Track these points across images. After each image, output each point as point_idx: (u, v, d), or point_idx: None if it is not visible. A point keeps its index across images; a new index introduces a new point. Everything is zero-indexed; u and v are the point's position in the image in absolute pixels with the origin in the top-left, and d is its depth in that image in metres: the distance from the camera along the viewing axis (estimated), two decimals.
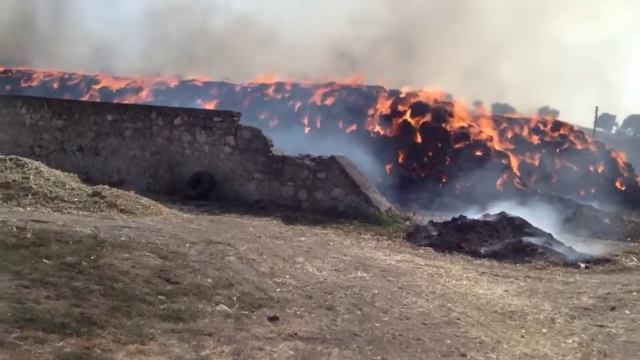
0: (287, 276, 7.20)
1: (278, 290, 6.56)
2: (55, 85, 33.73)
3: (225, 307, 5.71)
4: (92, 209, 10.37)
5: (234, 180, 14.73)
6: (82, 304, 5.15)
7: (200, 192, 14.49)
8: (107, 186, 11.74)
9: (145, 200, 11.63)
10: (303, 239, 10.31)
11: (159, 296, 5.71)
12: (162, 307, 5.45)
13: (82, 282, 5.64)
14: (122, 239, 7.48)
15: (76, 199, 10.59)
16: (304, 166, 13.93)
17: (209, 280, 6.46)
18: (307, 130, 24.59)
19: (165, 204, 12.53)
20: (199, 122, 15.29)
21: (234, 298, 6.03)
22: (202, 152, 15.21)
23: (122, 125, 16.41)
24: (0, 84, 32.84)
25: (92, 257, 6.34)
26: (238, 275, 6.84)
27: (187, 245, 7.80)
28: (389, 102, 25.18)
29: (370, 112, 24.81)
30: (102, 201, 10.76)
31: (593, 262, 10.34)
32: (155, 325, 5.00)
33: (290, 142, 18.99)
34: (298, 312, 5.85)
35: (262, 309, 5.82)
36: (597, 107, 58.25)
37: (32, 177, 10.84)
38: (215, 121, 15.07)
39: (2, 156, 11.82)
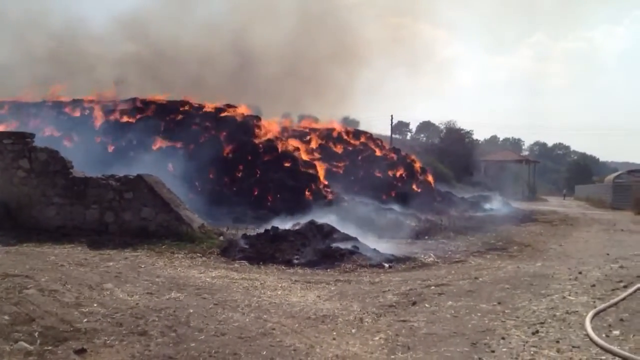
0: (95, 305, 6.83)
1: (85, 320, 6.19)
2: None
3: (26, 345, 5.27)
4: None
5: (32, 207, 13.65)
6: None
7: None
8: None
9: None
10: (111, 263, 9.85)
11: None
12: None
13: None
14: None
15: None
16: (110, 187, 13.33)
17: (6, 317, 5.92)
18: (110, 148, 23.45)
19: None
20: None
21: (36, 334, 5.59)
22: None
23: None
24: None
25: None
26: (39, 308, 6.34)
27: None
28: (196, 117, 24.91)
29: (178, 128, 24.31)
30: None
31: (396, 261, 11.20)
32: None
33: (92, 162, 18.05)
34: (108, 342, 5.57)
35: (68, 343, 5.46)
36: (392, 116, 63.17)
37: None
38: (6, 143, 13.88)
39: None
